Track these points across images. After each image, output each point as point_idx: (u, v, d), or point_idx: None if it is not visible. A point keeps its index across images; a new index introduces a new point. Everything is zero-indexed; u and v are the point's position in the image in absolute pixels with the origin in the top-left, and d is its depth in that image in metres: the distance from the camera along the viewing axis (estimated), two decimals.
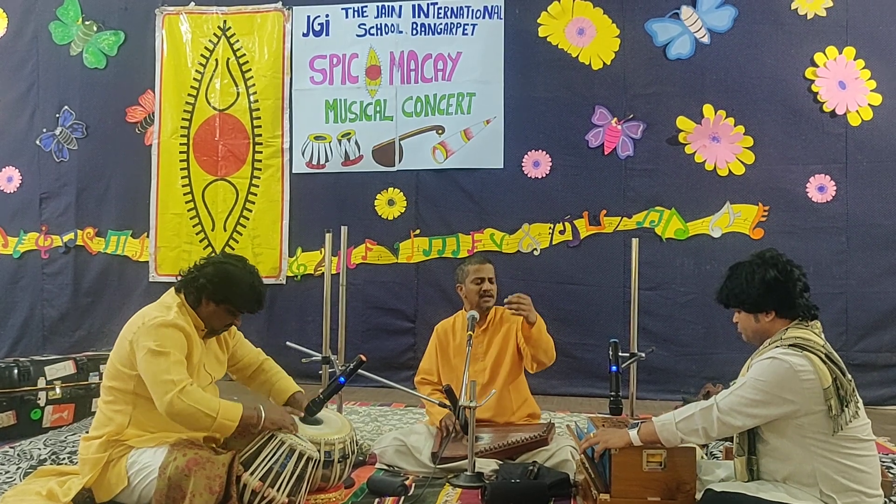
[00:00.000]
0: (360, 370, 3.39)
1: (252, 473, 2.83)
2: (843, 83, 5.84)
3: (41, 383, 4.63)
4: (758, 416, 2.57)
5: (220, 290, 3.04)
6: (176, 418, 2.84)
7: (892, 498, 3.13)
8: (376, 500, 3.30)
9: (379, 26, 6.53)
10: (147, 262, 6.78)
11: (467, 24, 6.39)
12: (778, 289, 2.68)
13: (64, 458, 3.89)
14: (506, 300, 3.76)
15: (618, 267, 6.08)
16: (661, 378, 5.79)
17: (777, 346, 2.60)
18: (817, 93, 5.87)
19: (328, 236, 4.23)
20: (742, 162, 5.95)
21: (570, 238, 6.18)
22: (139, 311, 3.08)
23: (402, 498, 3.31)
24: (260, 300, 3.13)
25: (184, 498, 2.72)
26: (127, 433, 2.94)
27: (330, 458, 3.12)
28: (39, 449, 4.05)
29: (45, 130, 6.98)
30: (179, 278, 3.14)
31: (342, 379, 3.24)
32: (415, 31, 6.49)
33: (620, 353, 3.82)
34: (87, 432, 3.07)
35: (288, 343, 4.17)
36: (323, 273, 6.46)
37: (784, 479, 2.58)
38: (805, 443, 2.54)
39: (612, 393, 3.45)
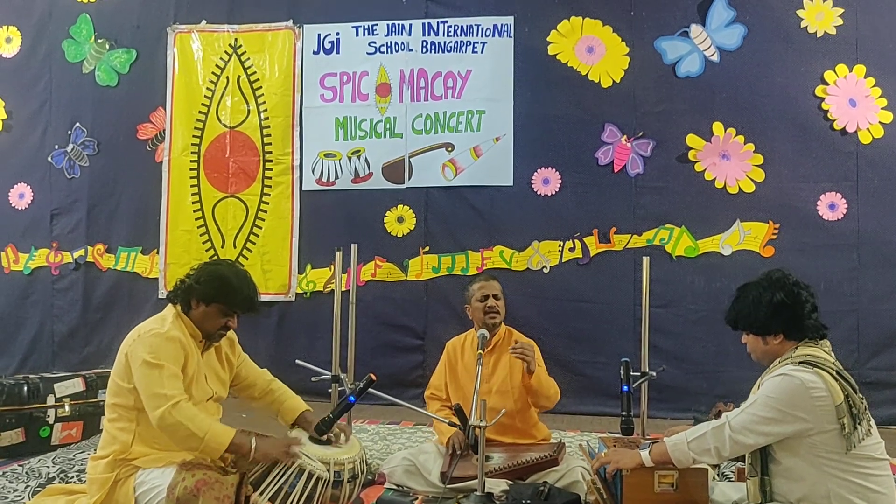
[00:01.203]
0: (369, 388, 3.37)
1: (261, 493, 2.81)
2: (853, 101, 5.83)
3: (50, 401, 4.63)
4: (770, 435, 2.55)
5: (209, 289, 3.00)
6: (165, 433, 2.81)
7: None
8: None
9: (389, 44, 6.56)
10: (157, 278, 6.79)
11: (477, 43, 6.42)
12: (785, 311, 2.66)
13: (73, 477, 3.88)
14: (511, 349, 3.74)
15: (628, 285, 6.06)
16: (672, 396, 5.75)
17: (788, 364, 2.59)
18: (827, 111, 5.86)
19: (338, 254, 4.22)
20: (752, 180, 5.94)
21: (580, 256, 6.16)
22: (137, 326, 3.06)
23: None
24: (251, 297, 3.07)
25: None
26: (133, 451, 2.92)
27: (339, 478, 3.09)
28: (48, 467, 4.05)
29: (56, 147, 7.02)
30: (173, 289, 3.12)
31: (352, 398, 3.22)
32: (425, 49, 6.51)
33: (632, 373, 3.79)
34: (95, 451, 3.06)
35: (297, 361, 4.16)
36: (332, 290, 6.50)
37: (798, 501, 2.55)
38: (818, 462, 2.51)
39: (624, 413, 3.42)
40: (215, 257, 6.70)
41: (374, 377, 3.27)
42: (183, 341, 2.93)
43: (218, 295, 3.01)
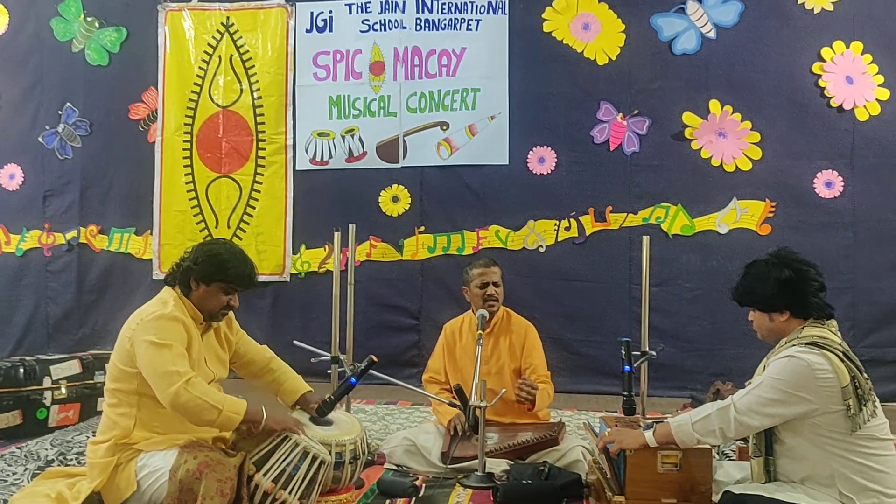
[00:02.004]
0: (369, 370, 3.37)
1: (265, 474, 2.80)
2: (850, 78, 5.80)
3: (47, 383, 4.61)
4: (776, 416, 2.55)
5: (207, 269, 2.99)
6: (180, 410, 2.80)
7: None
8: (387, 500, 3.29)
9: (382, 22, 6.49)
10: (150, 259, 6.75)
11: (471, 20, 6.35)
12: (792, 289, 2.66)
13: (72, 459, 3.87)
14: (517, 394, 3.73)
15: (623, 263, 6.06)
16: (668, 375, 5.76)
17: (794, 345, 2.59)
18: (824, 88, 5.83)
19: (337, 234, 4.19)
20: (749, 157, 5.92)
21: (576, 234, 6.15)
22: (138, 310, 3.04)
23: (413, 499, 3.29)
24: (249, 274, 3.07)
25: (195, 501, 2.69)
26: (134, 436, 2.91)
27: (341, 459, 3.10)
28: (46, 449, 4.03)
29: (47, 128, 6.94)
30: (170, 271, 3.10)
31: (353, 380, 3.22)
32: (419, 27, 6.44)
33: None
34: (94, 435, 3.04)
35: (295, 342, 4.15)
36: (327, 270, 6.50)
37: (802, 480, 2.57)
38: (822, 442, 2.52)
39: (626, 393, 3.42)
40: (209, 237, 6.66)
41: (374, 359, 3.27)
42: (186, 323, 2.92)
43: (217, 274, 2.99)
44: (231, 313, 3.25)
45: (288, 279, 6.58)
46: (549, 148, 6.20)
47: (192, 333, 2.95)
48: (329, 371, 4.05)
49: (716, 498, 2.74)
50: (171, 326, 2.86)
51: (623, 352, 3.60)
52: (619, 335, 5.92)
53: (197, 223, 6.71)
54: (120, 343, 2.95)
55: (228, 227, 6.67)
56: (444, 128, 6.36)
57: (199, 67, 6.72)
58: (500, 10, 6.29)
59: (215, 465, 2.75)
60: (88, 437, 4.16)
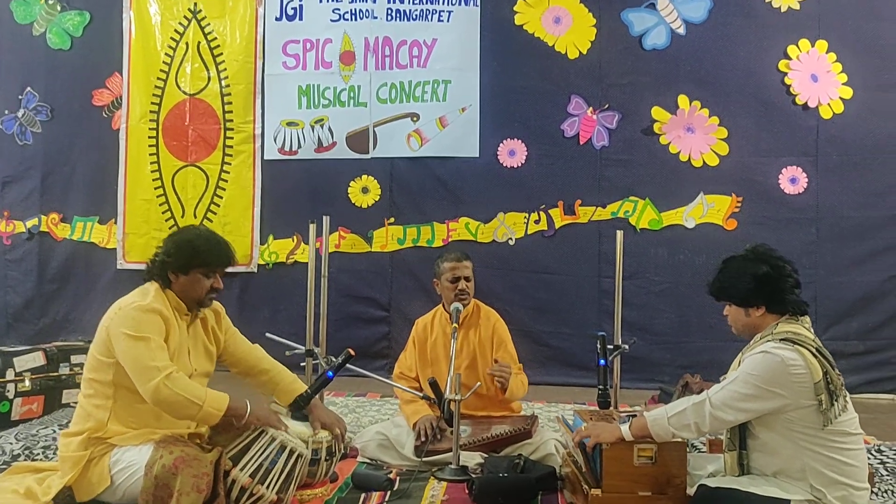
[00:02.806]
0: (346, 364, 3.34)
1: (241, 469, 2.77)
2: (815, 76, 5.90)
3: (10, 375, 4.51)
4: (750, 411, 2.60)
5: (182, 258, 2.94)
6: (161, 405, 2.77)
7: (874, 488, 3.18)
8: (362, 494, 3.28)
9: (353, 11, 6.44)
10: (115, 248, 6.64)
11: (443, 11, 6.33)
12: (768, 284, 2.70)
13: (38, 454, 3.79)
14: (489, 371, 3.76)
15: (593, 257, 6.11)
16: (636, 367, 5.81)
17: (769, 341, 2.63)
18: (790, 85, 5.93)
19: (312, 226, 4.15)
20: (716, 153, 6.00)
21: (545, 228, 6.18)
22: (119, 299, 2.98)
23: (389, 492, 3.29)
24: (225, 250, 3.01)
25: (171, 497, 2.65)
26: (108, 430, 2.86)
27: (317, 455, 3.08)
28: (11, 444, 3.95)
29: (7, 112, 6.78)
30: (147, 268, 3.05)
31: (330, 374, 3.19)
32: (390, 17, 6.41)
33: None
34: (67, 427, 2.98)
35: (268, 334, 4.10)
36: (295, 261, 6.45)
37: (774, 474, 2.62)
38: (794, 437, 2.57)
39: (601, 387, 3.45)
40: (175, 227, 6.57)
41: (352, 352, 3.25)
42: (165, 314, 2.87)
43: (193, 260, 2.94)
44: (221, 309, 3.21)
45: (255, 270, 6.53)
46: (520, 141, 6.22)
47: (172, 325, 2.90)
48: (303, 364, 4.02)
49: (690, 490, 2.78)
50: (148, 318, 2.81)
51: (598, 346, 3.62)
52: (588, 328, 6.04)
53: (163, 212, 6.62)
54: (98, 333, 2.89)
55: (195, 216, 6.58)
56: (415, 119, 6.35)
57: (166, 54, 6.61)
58: (471, 2, 6.29)
59: (191, 460, 2.71)
60: (55, 431, 4.10)
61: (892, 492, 3.35)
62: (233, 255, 3.07)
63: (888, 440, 4.39)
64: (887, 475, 3.64)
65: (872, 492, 3.15)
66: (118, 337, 2.77)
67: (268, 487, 2.78)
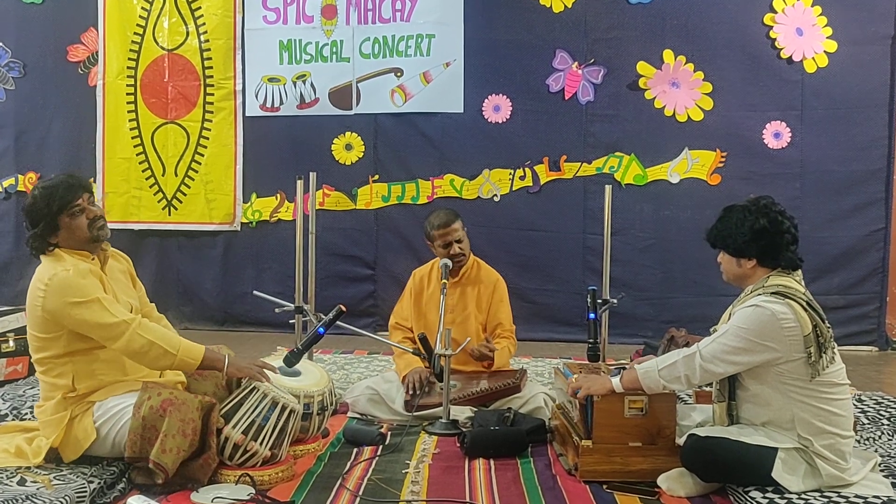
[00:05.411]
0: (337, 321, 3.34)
1: (234, 427, 2.77)
2: (800, 30, 5.88)
3: None
4: (740, 364, 2.63)
5: (39, 215, 2.82)
6: (136, 357, 2.77)
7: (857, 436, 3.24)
8: (354, 449, 3.29)
9: None
10: None
11: None
12: (764, 238, 2.71)
13: (26, 414, 3.76)
14: (471, 352, 3.79)
15: (577, 213, 6.11)
16: (621, 322, 5.82)
17: (759, 294, 2.65)
18: (775, 39, 5.90)
19: (299, 182, 4.11)
20: (701, 108, 5.99)
21: (531, 184, 6.17)
22: (33, 278, 2.87)
23: (380, 447, 3.31)
24: (65, 179, 2.87)
25: (156, 438, 2.65)
26: (80, 389, 2.83)
27: (309, 410, 3.09)
28: None
29: None
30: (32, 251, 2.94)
31: (321, 330, 3.19)
32: None
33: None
34: (39, 401, 2.95)
35: (255, 292, 4.09)
36: (279, 220, 6.41)
37: (763, 424, 2.66)
38: (784, 389, 2.61)
39: (591, 340, 3.47)
40: (156, 186, 6.50)
41: (343, 308, 3.24)
42: (92, 269, 2.83)
43: (51, 209, 2.82)
44: (132, 270, 3.18)
45: (238, 228, 6.47)
46: (505, 96, 6.17)
47: (97, 274, 2.86)
48: (292, 321, 4.01)
49: (679, 440, 2.82)
50: (84, 281, 2.75)
51: (589, 300, 3.63)
52: (573, 284, 6.07)
53: (143, 171, 6.53)
54: (31, 313, 2.82)
55: (176, 174, 6.50)
56: (399, 74, 6.27)
57: (142, 8, 6.46)
58: None
59: (179, 404, 2.70)
60: (35, 405, 4.07)
61: (874, 439, 3.42)
62: (76, 175, 2.95)
63: (868, 390, 4.47)
64: (868, 423, 3.70)
65: (855, 440, 3.22)
66: (65, 309, 2.72)
67: (261, 444, 2.78)
